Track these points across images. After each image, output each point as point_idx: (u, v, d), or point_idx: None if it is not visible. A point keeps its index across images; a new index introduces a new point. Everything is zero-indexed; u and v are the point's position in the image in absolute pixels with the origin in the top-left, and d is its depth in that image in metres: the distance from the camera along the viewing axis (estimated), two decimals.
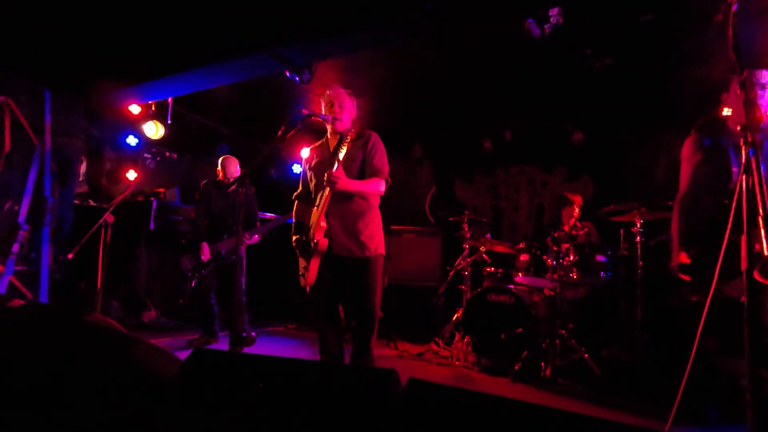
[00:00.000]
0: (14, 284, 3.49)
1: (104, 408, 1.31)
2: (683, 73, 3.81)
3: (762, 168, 1.26)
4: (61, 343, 1.57)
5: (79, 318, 1.75)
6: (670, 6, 2.98)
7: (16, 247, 3.54)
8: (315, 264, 2.44)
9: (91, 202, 4.76)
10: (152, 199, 4.92)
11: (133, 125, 4.99)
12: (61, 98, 3.92)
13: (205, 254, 3.69)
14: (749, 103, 1.31)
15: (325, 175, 2.39)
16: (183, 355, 1.40)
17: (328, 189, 2.40)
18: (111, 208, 4.49)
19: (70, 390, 1.41)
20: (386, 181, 2.53)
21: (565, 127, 4.94)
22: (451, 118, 5.23)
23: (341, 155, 2.41)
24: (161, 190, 5.21)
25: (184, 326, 4.79)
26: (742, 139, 1.28)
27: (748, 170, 1.27)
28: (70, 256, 4.05)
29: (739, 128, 1.29)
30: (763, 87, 2.15)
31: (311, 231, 2.47)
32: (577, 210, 3.91)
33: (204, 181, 4.05)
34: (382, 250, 2.54)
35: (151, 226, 4.84)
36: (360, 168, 2.52)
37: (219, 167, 3.97)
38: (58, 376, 1.46)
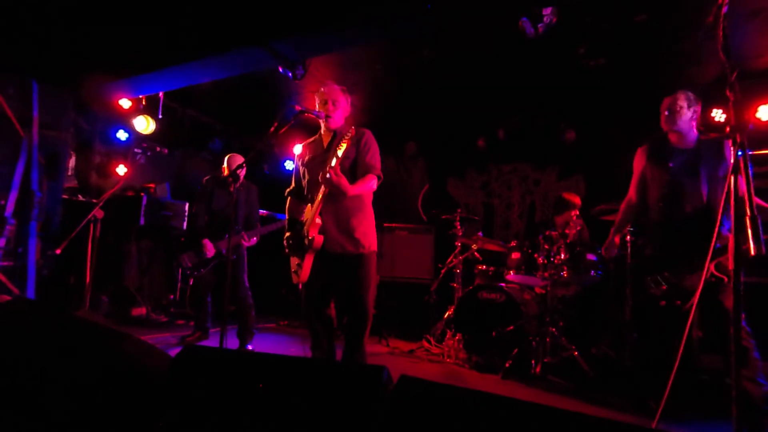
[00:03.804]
0: (1, 280, 3.44)
1: (93, 405, 1.30)
2: (676, 73, 3.84)
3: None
4: (48, 339, 1.55)
5: (68, 314, 1.73)
6: (664, 6, 3.00)
7: (2, 242, 3.49)
8: (309, 261, 2.43)
9: (80, 197, 4.70)
10: (142, 194, 4.87)
11: (124, 119, 4.94)
12: (50, 91, 3.86)
13: (210, 250, 3.64)
14: (738, 105, 1.32)
15: (321, 174, 2.36)
16: (173, 351, 1.39)
17: (323, 186, 2.39)
18: (100, 204, 4.45)
19: (57, 387, 1.39)
20: (378, 178, 2.52)
21: (558, 126, 4.97)
22: (446, 116, 5.24)
23: (340, 152, 2.33)
24: (152, 185, 5.17)
25: (174, 322, 4.77)
26: (731, 140, 1.29)
27: (736, 171, 1.28)
28: (59, 251, 4.00)
29: (728, 129, 1.30)
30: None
31: (305, 227, 2.46)
32: (576, 211, 3.94)
33: (207, 177, 3.96)
34: (375, 247, 2.54)
35: (141, 222, 4.80)
36: (352, 164, 2.51)
37: (224, 164, 3.90)
38: (45, 372, 1.44)
